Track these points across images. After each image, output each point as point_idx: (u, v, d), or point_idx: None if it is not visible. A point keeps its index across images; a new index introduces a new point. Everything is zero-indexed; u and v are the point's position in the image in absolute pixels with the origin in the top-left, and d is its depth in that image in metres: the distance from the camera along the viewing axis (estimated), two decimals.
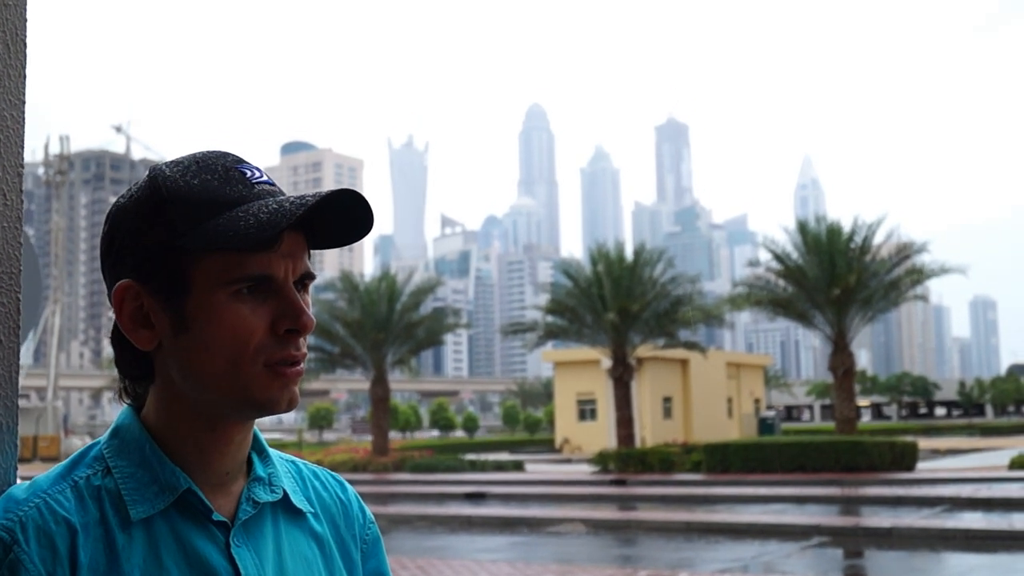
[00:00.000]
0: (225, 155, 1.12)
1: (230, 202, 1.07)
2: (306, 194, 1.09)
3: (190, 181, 1.08)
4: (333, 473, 1.31)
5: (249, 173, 1.10)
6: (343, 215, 1.12)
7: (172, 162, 1.12)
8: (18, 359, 1.18)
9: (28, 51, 1.20)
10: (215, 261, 1.06)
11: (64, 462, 1.11)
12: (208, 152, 1.12)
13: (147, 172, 1.13)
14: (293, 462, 1.27)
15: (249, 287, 1.07)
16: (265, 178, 1.11)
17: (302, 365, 1.11)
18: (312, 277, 1.13)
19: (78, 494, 1.06)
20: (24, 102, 1.20)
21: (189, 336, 1.08)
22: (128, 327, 1.10)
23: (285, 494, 1.18)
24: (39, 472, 1.10)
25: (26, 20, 1.21)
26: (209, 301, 1.06)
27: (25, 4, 1.20)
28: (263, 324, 1.07)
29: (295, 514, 1.19)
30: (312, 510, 1.22)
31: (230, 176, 1.09)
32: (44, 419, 57.11)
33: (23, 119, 1.20)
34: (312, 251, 1.16)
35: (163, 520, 1.07)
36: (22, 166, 1.19)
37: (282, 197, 1.09)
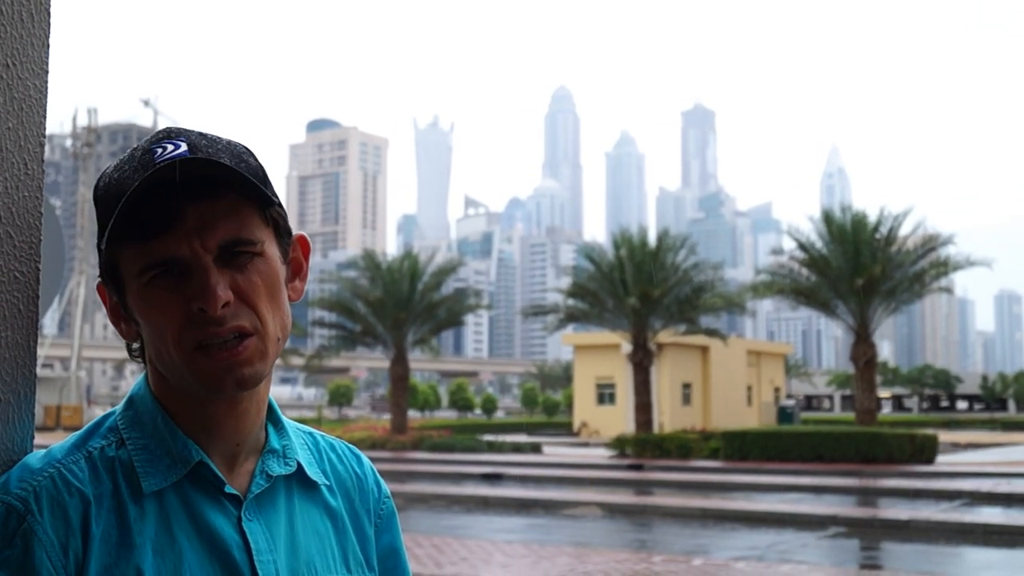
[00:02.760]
0: (157, 134, 1.09)
1: (127, 191, 1.03)
2: (154, 169, 1.03)
3: (112, 175, 1.07)
4: (350, 445, 1.30)
5: (159, 151, 1.06)
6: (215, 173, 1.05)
7: (119, 156, 1.12)
8: (37, 328, 1.18)
9: (51, 20, 1.20)
10: (127, 254, 1.05)
11: (79, 432, 1.12)
12: (153, 133, 1.09)
13: None
14: (310, 434, 1.27)
15: (163, 272, 1.04)
16: (178, 152, 1.05)
17: (248, 340, 1.05)
18: (244, 243, 1.07)
19: (92, 465, 1.06)
20: (47, 71, 1.20)
21: (141, 328, 1.09)
22: (113, 322, 1.13)
23: (300, 466, 1.18)
24: (62, 441, 1.11)
25: None
26: (134, 294, 1.06)
27: None
28: (180, 308, 1.04)
29: (309, 487, 1.19)
30: (327, 483, 1.21)
31: (142, 161, 1.05)
32: (67, 389, 57.76)
33: (46, 88, 1.20)
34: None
35: (175, 493, 1.07)
36: (44, 135, 1.19)
37: (133, 185, 1.03)
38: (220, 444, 1.12)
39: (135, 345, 1.14)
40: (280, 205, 1.12)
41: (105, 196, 1.07)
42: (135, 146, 1.09)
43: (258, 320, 1.06)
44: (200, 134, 1.09)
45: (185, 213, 1.04)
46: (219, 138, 1.10)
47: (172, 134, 1.08)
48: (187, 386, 1.08)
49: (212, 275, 1.04)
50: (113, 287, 1.10)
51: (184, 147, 1.06)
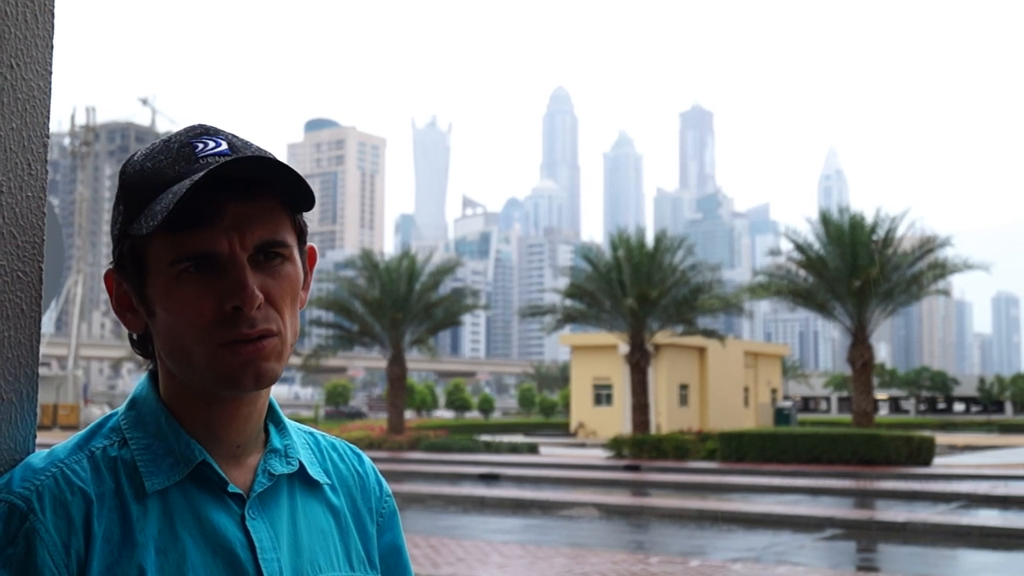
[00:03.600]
0: (193, 129, 1.10)
1: (170, 181, 1.04)
2: (215, 164, 1.04)
3: (144, 164, 1.08)
4: (351, 445, 1.31)
5: (200, 146, 1.07)
6: (274, 175, 1.07)
7: (146, 146, 1.12)
8: (39, 328, 1.18)
9: (56, 21, 1.20)
10: (159, 243, 1.05)
11: (82, 432, 1.12)
12: (184, 128, 1.11)
13: None
14: (311, 433, 1.27)
15: (196, 265, 1.05)
16: (220, 148, 1.07)
17: (271, 339, 1.07)
18: (278, 244, 1.08)
19: (94, 465, 1.07)
20: (51, 72, 1.20)
21: (156, 320, 1.08)
22: (117, 312, 1.13)
23: (302, 465, 1.19)
24: (59, 440, 1.11)
25: None
26: (160, 284, 1.06)
27: None
28: (211, 303, 1.05)
29: (312, 486, 1.20)
30: (329, 482, 1.22)
31: (180, 153, 1.07)
32: (65, 388, 57.73)
33: (49, 89, 1.20)
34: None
35: (178, 492, 1.08)
36: (47, 136, 1.19)
37: (199, 174, 1.04)
38: (221, 445, 1.12)
39: (135, 336, 1.15)
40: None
41: (138, 183, 1.07)
42: (167, 138, 1.10)
43: (281, 323, 1.08)
44: (233, 135, 1.11)
45: (226, 210, 1.05)
46: (250, 142, 1.12)
47: (209, 131, 1.10)
48: (198, 382, 1.08)
49: (249, 274, 1.05)
50: (133, 275, 1.09)
51: (225, 145, 1.08)
